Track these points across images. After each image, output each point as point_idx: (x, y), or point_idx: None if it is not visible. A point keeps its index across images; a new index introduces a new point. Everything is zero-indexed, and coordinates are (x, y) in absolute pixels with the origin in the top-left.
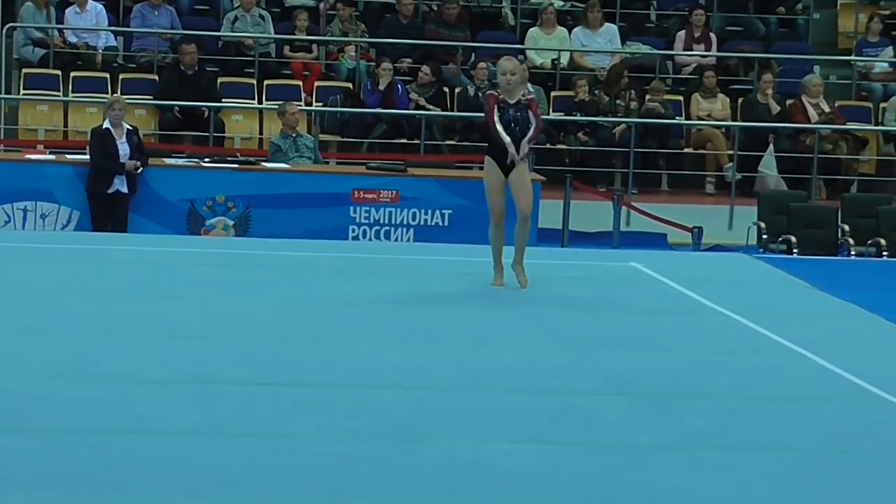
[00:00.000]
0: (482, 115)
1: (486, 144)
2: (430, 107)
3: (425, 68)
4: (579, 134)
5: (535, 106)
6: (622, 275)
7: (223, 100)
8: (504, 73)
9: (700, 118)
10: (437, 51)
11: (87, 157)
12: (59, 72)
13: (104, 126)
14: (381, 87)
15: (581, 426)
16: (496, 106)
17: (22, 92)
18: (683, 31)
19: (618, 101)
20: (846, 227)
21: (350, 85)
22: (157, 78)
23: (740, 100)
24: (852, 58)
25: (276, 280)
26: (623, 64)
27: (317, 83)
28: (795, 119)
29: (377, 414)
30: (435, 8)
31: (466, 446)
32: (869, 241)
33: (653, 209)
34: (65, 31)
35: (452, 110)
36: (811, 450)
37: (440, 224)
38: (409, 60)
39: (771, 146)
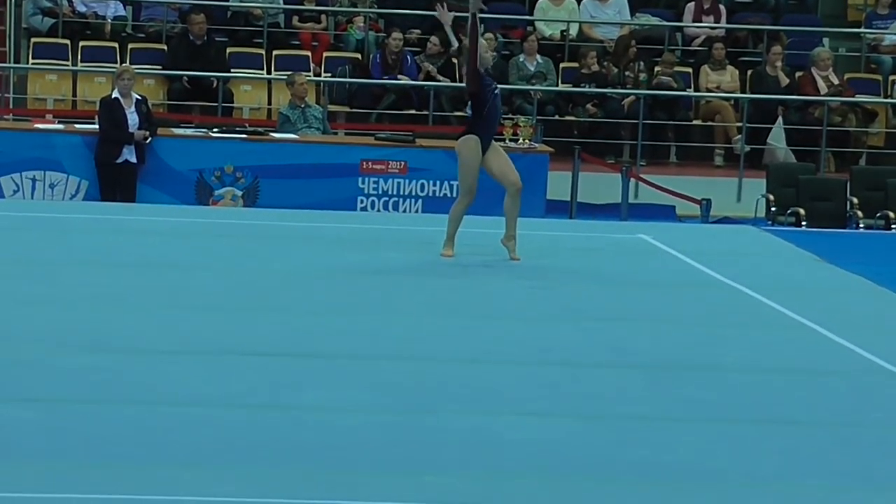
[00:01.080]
0: None
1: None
2: (440, 77)
3: (434, 39)
4: (588, 105)
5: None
6: (630, 247)
7: (232, 70)
8: (487, 51)
9: (709, 90)
10: None
11: (96, 126)
12: (67, 41)
13: (113, 96)
14: (391, 61)
15: (588, 398)
16: (483, 79)
17: (31, 61)
18: (692, 3)
19: (627, 73)
20: (855, 200)
21: (359, 55)
22: (165, 48)
23: (749, 72)
24: (862, 30)
25: (284, 251)
26: (631, 35)
27: (325, 54)
28: (804, 91)
29: (383, 385)
30: None
31: (473, 418)
32: (878, 214)
33: (661, 181)
34: (74, 0)
35: (461, 81)
36: (818, 422)
37: (448, 195)
38: (418, 31)
39: (780, 118)
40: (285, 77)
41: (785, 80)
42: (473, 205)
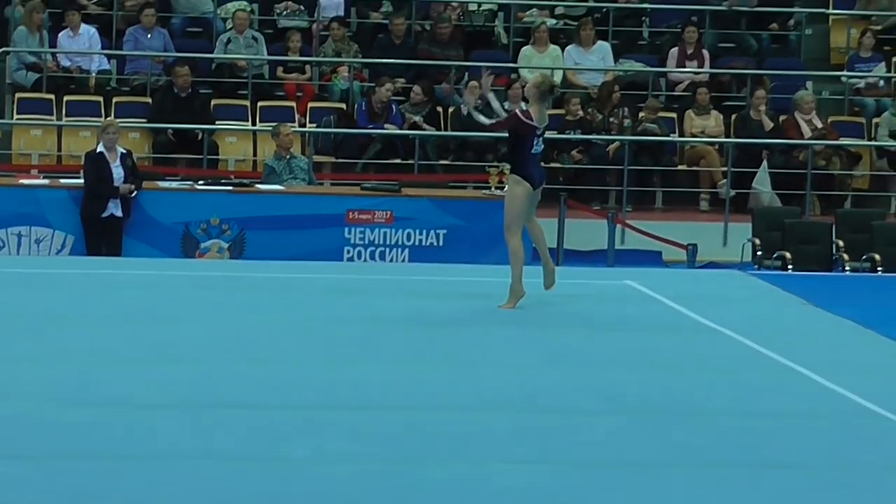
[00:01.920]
0: (476, 133)
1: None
2: (426, 126)
3: (417, 88)
4: (573, 152)
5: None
6: (617, 293)
7: (217, 122)
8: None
9: (693, 135)
10: (430, 70)
11: (81, 181)
12: (52, 96)
13: (98, 150)
14: (377, 110)
15: (576, 445)
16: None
17: (15, 116)
18: (676, 48)
19: (611, 119)
20: (840, 243)
21: (343, 105)
22: (150, 100)
23: (733, 116)
24: (844, 73)
25: (272, 302)
26: (615, 81)
27: (310, 104)
28: (788, 135)
29: (372, 435)
30: (428, 27)
31: (462, 467)
32: (864, 257)
33: (647, 227)
34: (58, 54)
35: (446, 129)
36: (806, 465)
37: (435, 244)
38: (403, 80)
39: (765, 162)
40: (270, 128)
41: (769, 124)
42: (460, 253)
